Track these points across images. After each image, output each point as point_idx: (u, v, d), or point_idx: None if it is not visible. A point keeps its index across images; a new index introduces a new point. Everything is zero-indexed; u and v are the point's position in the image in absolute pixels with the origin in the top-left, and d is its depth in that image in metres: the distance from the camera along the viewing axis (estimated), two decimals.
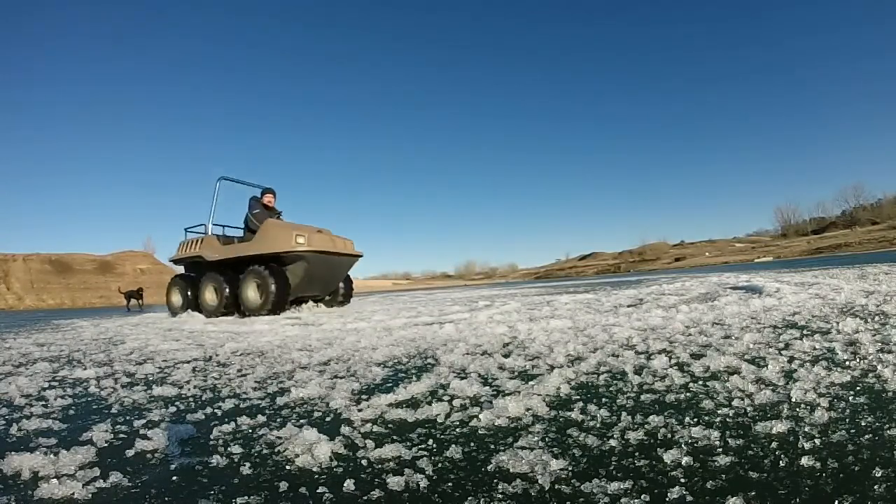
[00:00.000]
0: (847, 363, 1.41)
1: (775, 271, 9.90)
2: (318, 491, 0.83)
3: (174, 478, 0.91)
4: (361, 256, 6.71)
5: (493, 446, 0.97)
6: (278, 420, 1.26)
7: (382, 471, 0.88)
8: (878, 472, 0.74)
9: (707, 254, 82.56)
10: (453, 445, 0.98)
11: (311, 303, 6.85)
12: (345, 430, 1.12)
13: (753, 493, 0.71)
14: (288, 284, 5.85)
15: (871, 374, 1.27)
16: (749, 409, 1.07)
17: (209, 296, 6.25)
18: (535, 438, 0.99)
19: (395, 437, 1.05)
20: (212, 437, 1.17)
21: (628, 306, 3.79)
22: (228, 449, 1.05)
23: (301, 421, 1.24)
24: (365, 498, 0.79)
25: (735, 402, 1.12)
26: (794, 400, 1.10)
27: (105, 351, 3.10)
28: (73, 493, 0.86)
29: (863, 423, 0.94)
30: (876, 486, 0.70)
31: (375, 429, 1.12)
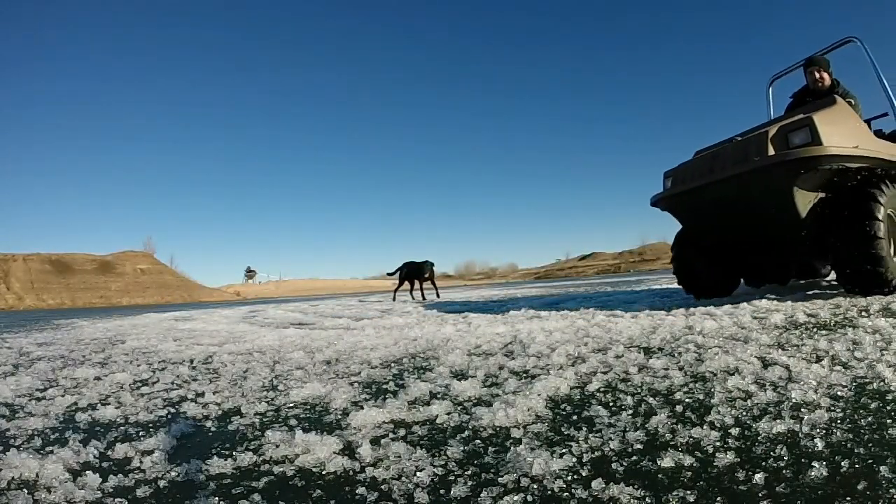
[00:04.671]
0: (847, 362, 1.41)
1: None
2: (318, 491, 0.82)
3: (173, 478, 0.91)
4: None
5: (493, 446, 0.97)
6: (278, 420, 1.26)
7: (383, 471, 0.88)
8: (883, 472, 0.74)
9: None
10: (454, 445, 0.98)
11: None
12: (345, 430, 1.12)
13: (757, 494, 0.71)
14: None
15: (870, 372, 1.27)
16: (751, 407, 1.07)
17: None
18: (536, 440, 0.99)
19: (395, 438, 1.05)
20: (211, 437, 1.17)
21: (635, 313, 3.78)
22: (228, 449, 1.05)
23: (301, 421, 1.24)
24: (365, 499, 0.79)
25: (737, 402, 1.11)
26: (794, 399, 1.10)
27: (105, 351, 3.10)
28: (71, 494, 0.86)
29: (863, 422, 0.94)
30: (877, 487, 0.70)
31: (376, 429, 1.12)
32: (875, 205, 2.86)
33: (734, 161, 3.15)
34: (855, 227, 2.89)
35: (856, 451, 0.82)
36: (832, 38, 4.01)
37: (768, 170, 2.96)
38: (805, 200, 3.04)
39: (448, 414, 1.19)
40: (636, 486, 0.75)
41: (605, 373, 1.50)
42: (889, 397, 1.08)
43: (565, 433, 1.01)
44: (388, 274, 9.72)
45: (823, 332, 1.95)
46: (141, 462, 0.99)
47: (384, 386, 1.57)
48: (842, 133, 2.98)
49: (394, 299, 9.19)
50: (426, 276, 9.04)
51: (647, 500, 0.72)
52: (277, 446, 1.02)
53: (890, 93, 3.80)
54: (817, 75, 3.71)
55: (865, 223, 2.85)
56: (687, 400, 1.17)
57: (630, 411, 1.12)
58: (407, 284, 9.28)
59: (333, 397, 1.42)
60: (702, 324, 2.29)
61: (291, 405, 1.40)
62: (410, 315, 4.52)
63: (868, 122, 3.99)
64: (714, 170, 3.27)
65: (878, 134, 3.97)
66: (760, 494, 0.71)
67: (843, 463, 0.77)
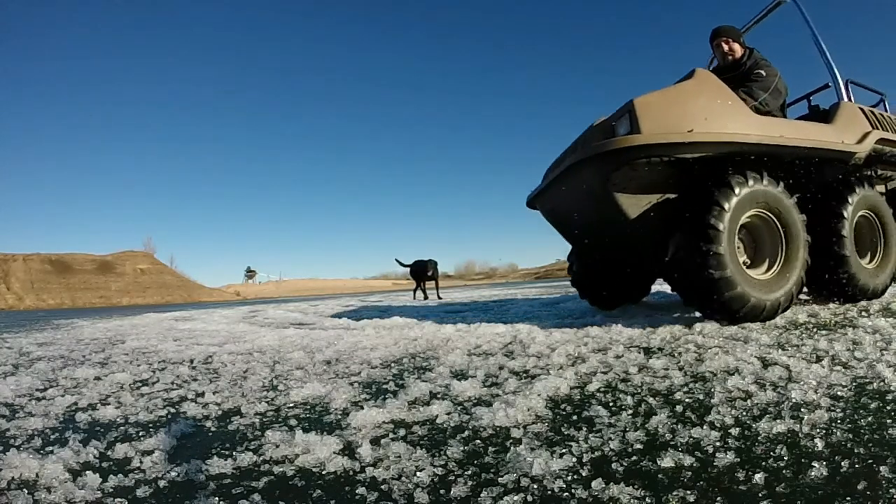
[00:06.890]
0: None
1: None
2: (318, 491, 0.82)
3: (173, 478, 0.91)
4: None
5: (493, 446, 0.97)
6: (278, 420, 1.26)
7: (383, 471, 0.88)
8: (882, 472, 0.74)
9: None
10: (454, 445, 0.98)
11: None
12: (345, 430, 1.12)
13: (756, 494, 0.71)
14: None
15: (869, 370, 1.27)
16: (750, 407, 1.07)
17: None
18: (536, 440, 0.99)
19: (395, 438, 1.05)
20: (211, 437, 1.17)
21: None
22: (228, 449, 1.05)
23: (301, 421, 1.24)
24: (365, 499, 0.79)
25: (737, 402, 1.11)
26: (794, 399, 1.10)
27: (105, 351, 3.09)
28: (71, 494, 0.86)
29: (863, 422, 0.94)
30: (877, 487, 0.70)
31: (376, 429, 1.12)
32: (715, 204, 2.15)
33: (566, 157, 2.68)
34: (687, 233, 2.21)
35: (856, 451, 0.82)
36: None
37: (572, 171, 2.48)
38: (639, 203, 2.38)
39: (448, 414, 1.19)
40: (636, 486, 0.75)
41: (605, 373, 1.50)
42: (889, 397, 1.08)
43: (565, 433, 1.01)
44: (398, 261, 9.99)
45: (823, 332, 1.95)
46: (141, 462, 0.99)
47: (384, 386, 1.57)
48: (675, 115, 2.26)
49: (420, 297, 9.29)
50: (429, 274, 8.95)
51: (647, 500, 0.72)
52: (277, 446, 1.03)
53: (829, 58, 3.13)
54: (726, 47, 3.02)
55: (700, 229, 2.14)
56: (687, 400, 1.17)
57: (630, 411, 1.12)
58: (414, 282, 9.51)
59: (333, 397, 1.42)
60: (702, 324, 2.29)
61: (291, 405, 1.40)
62: (410, 315, 4.52)
63: (808, 96, 3.55)
64: (559, 166, 2.76)
65: (815, 110, 3.33)
66: (760, 494, 0.71)
67: (843, 463, 0.77)
